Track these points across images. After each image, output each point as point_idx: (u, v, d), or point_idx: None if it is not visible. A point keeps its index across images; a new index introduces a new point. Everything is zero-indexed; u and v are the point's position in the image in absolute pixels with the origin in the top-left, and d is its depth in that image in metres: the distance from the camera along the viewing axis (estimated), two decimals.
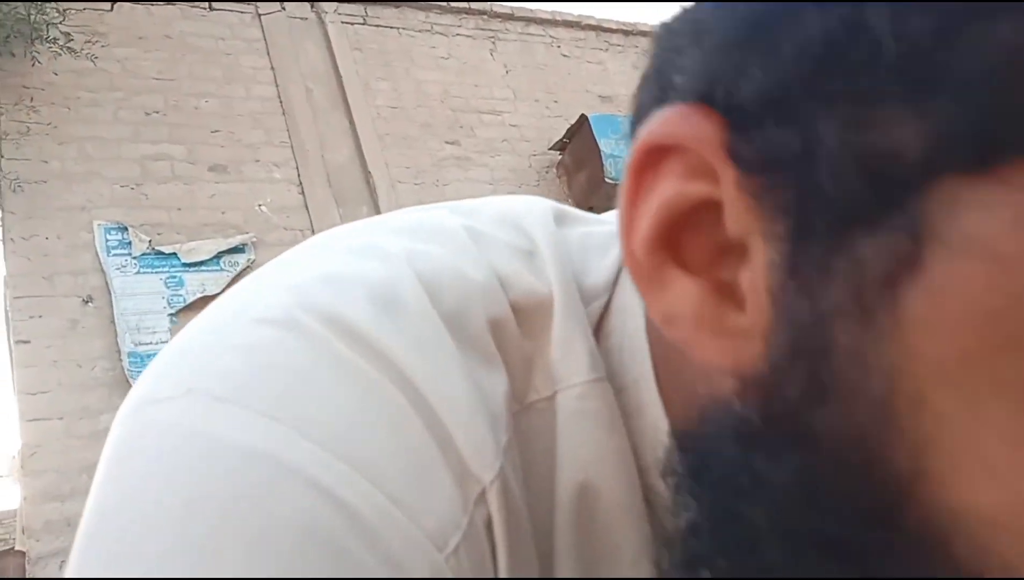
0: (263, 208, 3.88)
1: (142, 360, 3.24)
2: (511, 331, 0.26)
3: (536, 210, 0.30)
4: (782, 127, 0.18)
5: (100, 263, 3.38)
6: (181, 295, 3.46)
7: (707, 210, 0.20)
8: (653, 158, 0.21)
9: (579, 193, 4.60)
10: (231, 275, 3.57)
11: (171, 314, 3.42)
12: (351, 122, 4.31)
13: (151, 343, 3.31)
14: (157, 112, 3.86)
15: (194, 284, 3.50)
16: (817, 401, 0.19)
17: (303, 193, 4.00)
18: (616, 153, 4.33)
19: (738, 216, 0.20)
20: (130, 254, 3.44)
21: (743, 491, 0.20)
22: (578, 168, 4.58)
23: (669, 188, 0.20)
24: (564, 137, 4.65)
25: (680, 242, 0.21)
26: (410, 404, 0.22)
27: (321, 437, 0.21)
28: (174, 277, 3.49)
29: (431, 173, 4.41)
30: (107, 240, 3.42)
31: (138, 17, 4.00)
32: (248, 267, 3.63)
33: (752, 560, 0.21)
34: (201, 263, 3.55)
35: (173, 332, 3.37)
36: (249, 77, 4.17)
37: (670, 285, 0.21)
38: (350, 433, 0.21)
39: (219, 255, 3.59)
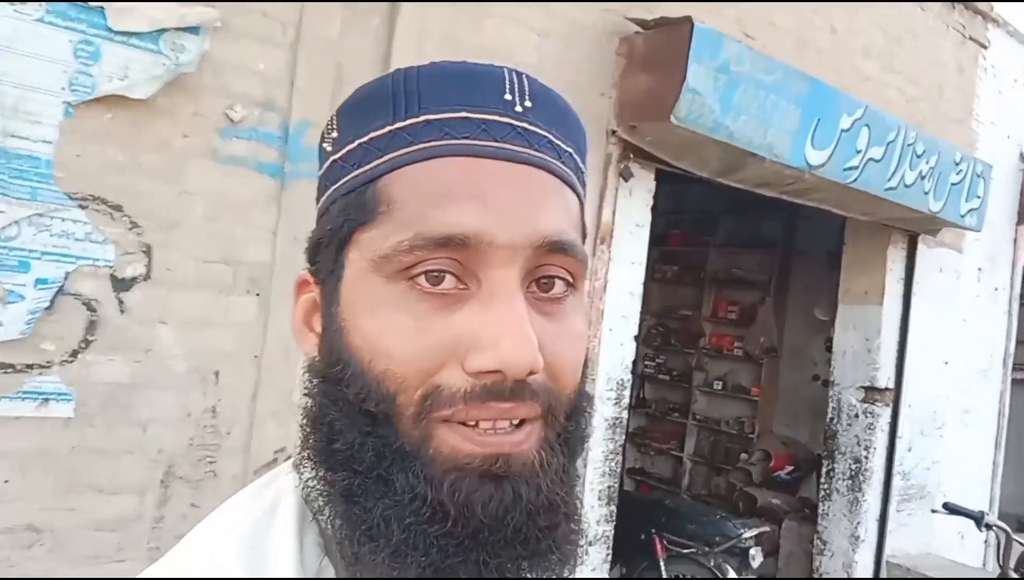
0: None
1: (8, 163, 2.38)
2: None
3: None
4: (318, 259, 0.59)
5: None
6: (91, 76, 2.50)
7: (315, 303, 0.60)
8: (299, 289, 0.62)
9: (629, 100, 3.77)
10: (170, 68, 2.61)
11: (69, 103, 2.49)
12: None
13: (28, 139, 2.42)
14: None
15: (114, 63, 2.53)
16: (327, 340, 0.57)
17: None
18: (701, 90, 3.52)
19: (318, 296, 0.59)
20: None
21: (317, 423, 0.55)
22: (647, 67, 3.71)
23: (302, 300, 0.61)
24: (651, 20, 3.69)
25: (311, 320, 0.60)
26: None
27: None
28: (90, 43, 2.49)
29: None
30: None
31: None
32: (195, 64, 2.67)
33: (342, 439, 0.53)
34: (134, 35, 2.55)
35: (64, 130, 2.48)
36: None
37: (307, 339, 0.60)
38: None
39: (163, 31, 2.59)
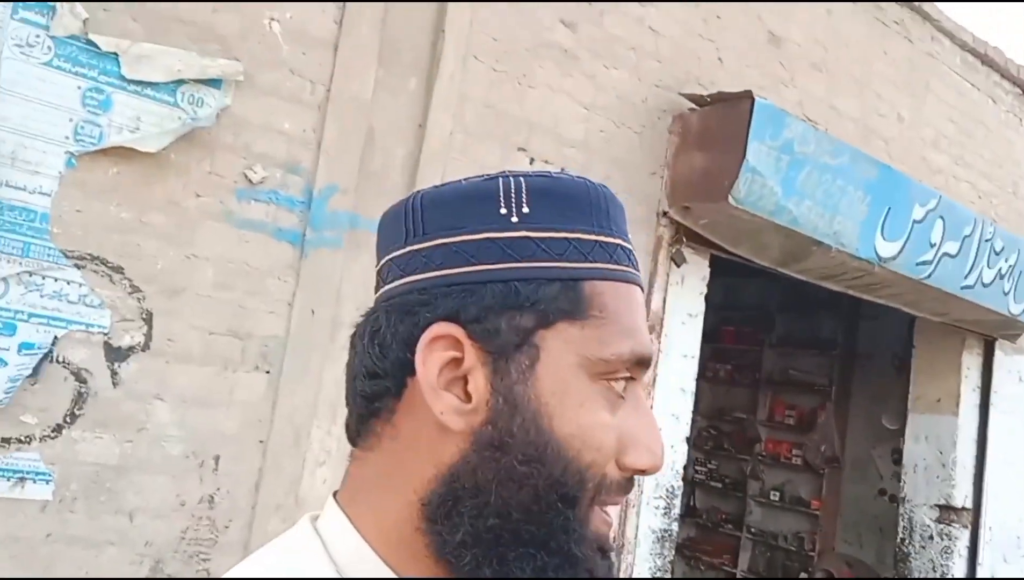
0: (275, 24, 2.64)
1: (1, 213, 2.19)
2: None
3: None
4: (486, 323, 0.56)
5: None
6: (99, 125, 2.33)
7: (454, 362, 0.56)
8: (433, 342, 0.56)
9: (682, 179, 3.52)
10: (185, 122, 2.43)
11: (72, 153, 2.31)
12: None
13: (24, 189, 2.23)
14: None
15: (125, 113, 2.36)
16: (513, 417, 0.55)
17: (343, 13, 2.75)
18: (762, 170, 3.25)
19: (470, 359, 0.56)
20: (47, 31, 2.23)
21: (487, 495, 0.56)
22: (703, 145, 3.46)
23: (439, 355, 0.56)
24: (707, 96, 3.46)
25: (442, 378, 0.57)
26: None
27: None
28: (100, 91, 2.33)
29: (520, 62, 3.19)
30: None
31: None
32: (214, 120, 2.49)
33: (502, 544, 0.55)
34: (149, 85, 2.38)
35: (64, 182, 2.29)
36: None
37: (441, 398, 0.56)
38: None
39: (180, 82, 2.42)
